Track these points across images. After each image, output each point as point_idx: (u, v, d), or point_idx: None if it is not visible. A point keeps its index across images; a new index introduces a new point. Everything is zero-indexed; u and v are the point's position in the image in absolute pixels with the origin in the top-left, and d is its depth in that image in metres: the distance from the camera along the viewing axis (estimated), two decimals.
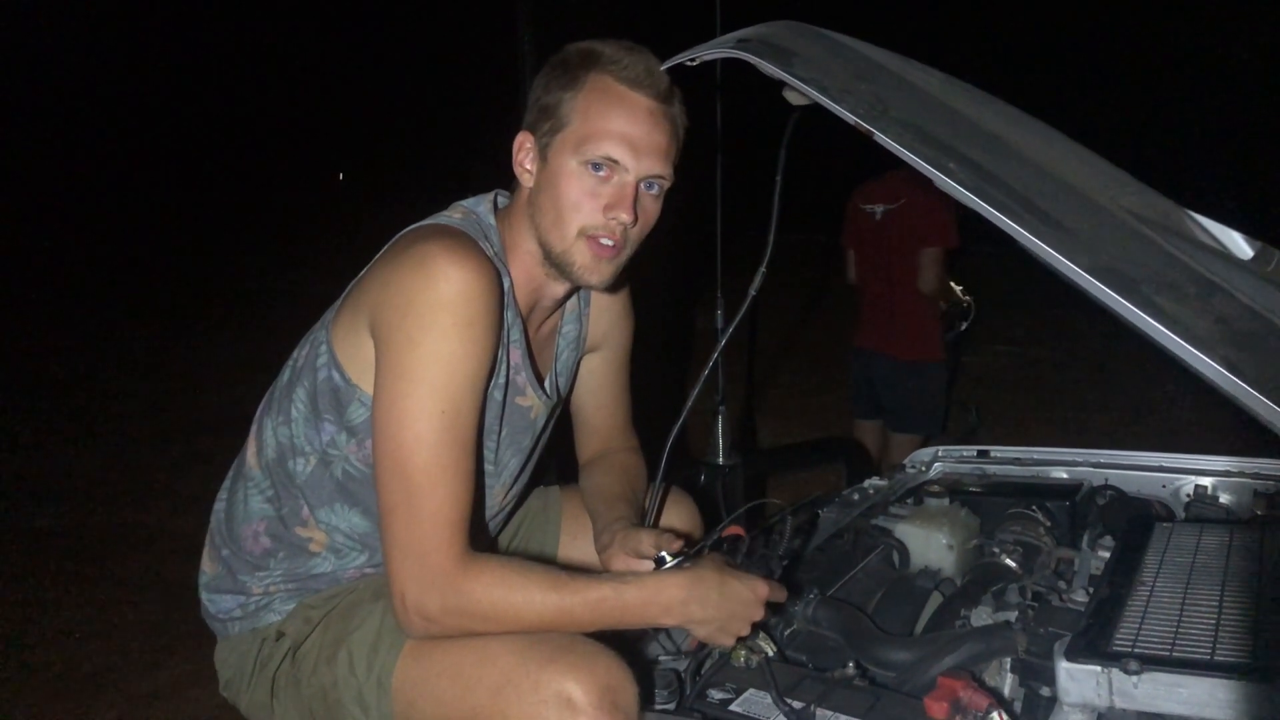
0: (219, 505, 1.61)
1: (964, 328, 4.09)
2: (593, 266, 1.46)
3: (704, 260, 2.77)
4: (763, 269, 1.49)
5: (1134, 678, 1.32)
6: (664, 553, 1.48)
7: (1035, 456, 2.43)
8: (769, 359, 5.84)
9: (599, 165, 1.42)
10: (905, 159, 1.11)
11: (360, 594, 1.50)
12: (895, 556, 1.97)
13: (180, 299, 10.02)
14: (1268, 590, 1.50)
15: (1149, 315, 0.96)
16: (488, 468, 1.56)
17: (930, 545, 1.97)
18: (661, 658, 1.46)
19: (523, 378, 1.54)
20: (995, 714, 1.32)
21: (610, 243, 1.43)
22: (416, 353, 1.31)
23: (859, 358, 4.30)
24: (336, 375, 1.44)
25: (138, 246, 12.87)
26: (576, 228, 1.44)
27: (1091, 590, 1.62)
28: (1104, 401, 6.24)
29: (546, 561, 1.63)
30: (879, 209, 4.12)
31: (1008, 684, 1.56)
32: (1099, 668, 1.35)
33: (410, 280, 1.33)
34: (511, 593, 1.31)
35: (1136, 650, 1.37)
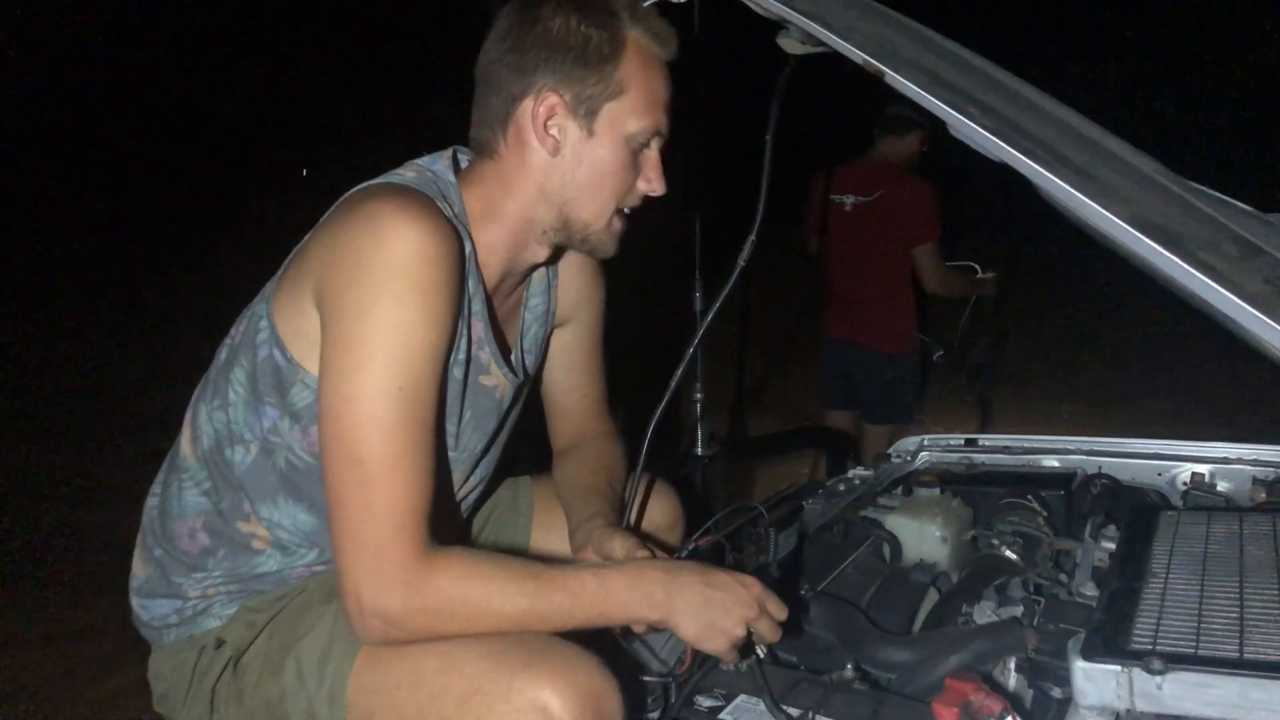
0: (151, 501, 1.46)
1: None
2: (613, 240, 1.39)
3: (691, 237, 2.64)
4: (752, 237, 1.37)
5: (1158, 678, 1.21)
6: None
7: (1025, 445, 2.34)
8: (774, 343, 5.68)
9: (649, 140, 1.35)
10: (920, 101, 0.99)
11: (310, 595, 1.36)
12: (886, 550, 1.86)
13: (139, 293, 9.74)
14: None
15: (1201, 273, 0.85)
16: (450, 454, 1.43)
17: (923, 537, 1.87)
18: (649, 672, 1.33)
19: (486, 354, 1.41)
20: (1009, 718, 1.21)
21: (629, 213, 1.36)
22: (368, 323, 1.17)
23: (833, 349, 4.20)
24: (278, 354, 1.30)
25: (95, 241, 12.52)
26: (616, 205, 1.36)
27: (1101, 583, 1.52)
28: (1073, 392, 6.21)
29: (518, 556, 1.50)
30: (849, 200, 4.01)
31: (1013, 684, 1.45)
32: (1119, 667, 1.24)
33: (359, 242, 1.19)
34: (483, 585, 1.18)
35: (1159, 648, 1.26)
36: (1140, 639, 1.29)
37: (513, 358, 1.48)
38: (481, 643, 1.18)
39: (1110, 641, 1.29)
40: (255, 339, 1.33)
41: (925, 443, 2.42)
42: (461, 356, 1.34)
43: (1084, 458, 2.25)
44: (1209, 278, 0.84)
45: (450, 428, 1.39)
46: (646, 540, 1.38)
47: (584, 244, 1.40)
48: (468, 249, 1.32)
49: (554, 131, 1.33)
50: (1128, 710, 1.25)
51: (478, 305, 1.35)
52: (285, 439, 1.33)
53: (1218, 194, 1.46)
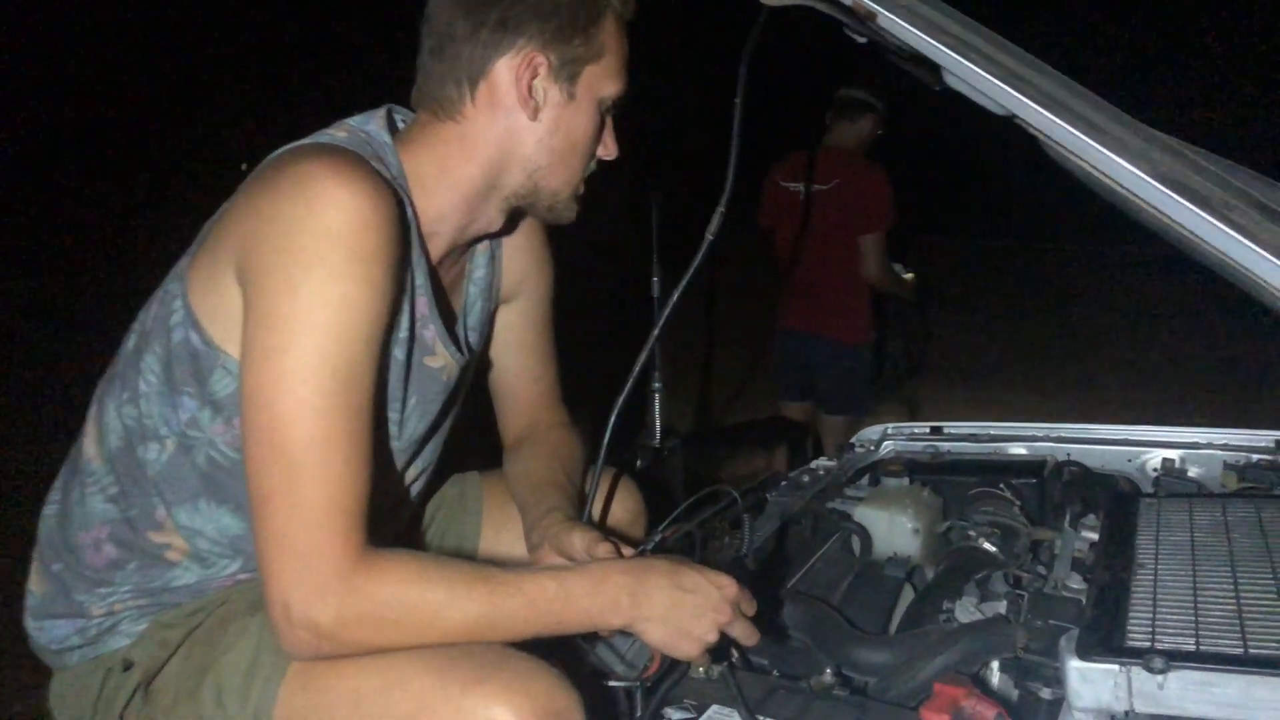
0: (48, 510, 1.30)
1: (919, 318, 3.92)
2: (575, 208, 1.31)
3: (649, 218, 2.53)
4: (721, 209, 1.26)
5: (1159, 677, 1.13)
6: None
7: (991, 432, 2.27)
8: (742, 329, 5.54)
9: (615, 104, 1.28)
10: (917, 46, 0.89)
11: (232, 607, 1.22)
12: (856, 543, 1.77)
13: (71, 293, 9.34)
14: None
15: (1233, 231, 0.76)
16: (393, 444, 1.30)
17: (894, 529, 1.78)
18: (613, 677, 1.21)
19: (431, 332, 1.28)
20: None
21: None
22: (298, 297, 1.04)
23: (789, 340, 4.12)
24: (195, 336, 1.16)
25: (26, 237, 12.01)
26: (584, 172, 1.29)
27: (1088, 576, 1.44)
28: (1027, 382, 6.22)
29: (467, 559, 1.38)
30: (803, 187, 3.93)
31: (998, 684, 1.37)
32: (1117, 666, 1.16)
33: (288, 208, 1.06)
34: (428, 591, 1.06)
35: (1158, 645, 1.18)
36: (1137, 636, 1.21)
37: (458, 336, 1.35)
38: (427, 656, 1.06)
39: (1106, 639, 1.20)
40: (168, 322, 1.18)
41: (889, 431, 2.34)
42: (403, 335, 1.22)
43: (1052, 445, 2.18)
44: (1241, 235, 0.75)
45: (393, 414, 1.26)
46: (608, 537, 1.26)
47: (549, 211, 1.30)
48: (409, 216, 1.19)
49: (535, 94, 1.23)
50: (1126, 712, 1.17)
51: (421, 278, 1.23)
52: (206, 433, 1.19)
53: (1220, 158, 1.39)
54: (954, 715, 1.11)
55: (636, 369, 1.36)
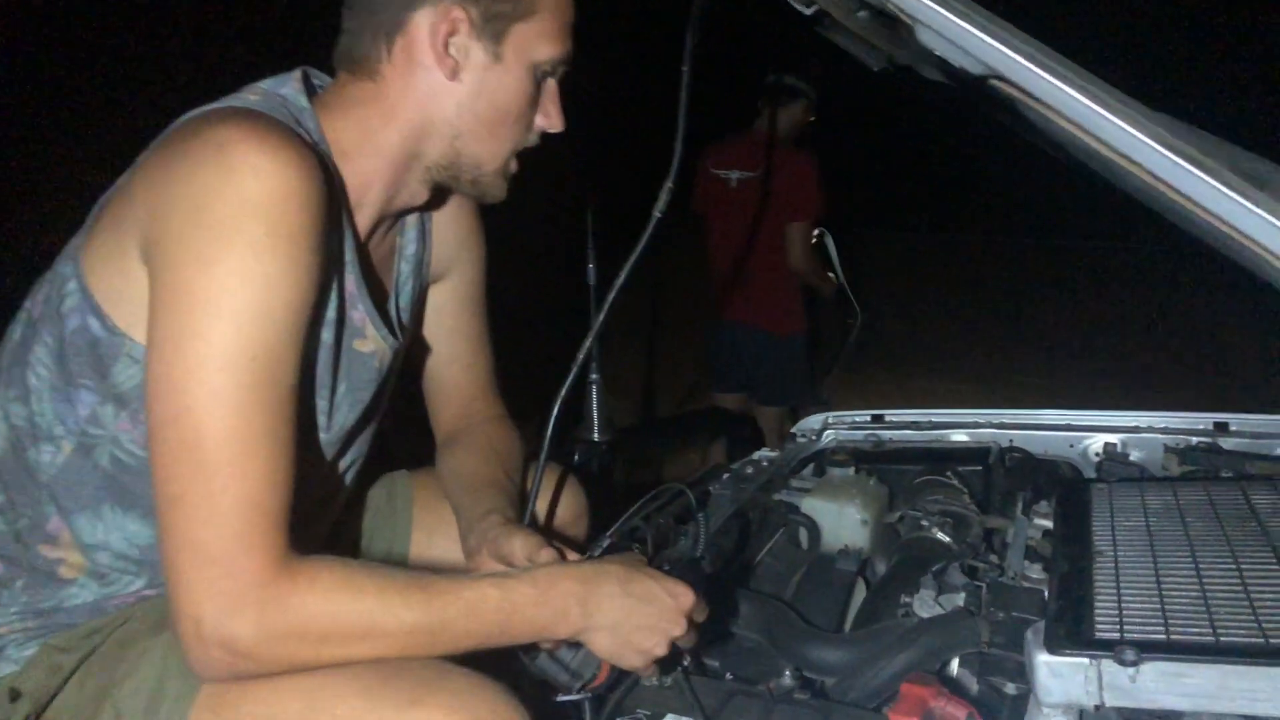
0: None
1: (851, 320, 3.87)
2: (504, 185, 1.20)
3: (601, 202, 2.43)
4: (669, 184, 1.18)
5: (1131, 669, 1.09)
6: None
7: (933, 419, 2.23)
8: (689, 318, 5.44)
9: (554, 70, 1.17)
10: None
11: (134, 626, 1.10)
12: (804, 535, 1.71)
13: None
14: (1244, 554, 1.30)
15: (1235, 194, 0.71)
16: (320, 436, 1.19)
17: (843, 520, 1.72)
18: (558, 686, 1.12)
19: (361, 313, 1.17)
20: None
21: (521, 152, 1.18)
22: (212, 276, 0.93)
23: (723, 330, 4.06)
24: (94, 322, 1.04)
25: None
26: (514, 144, 1.18)
27: (1048, 565, 1.40)
28: (951, 369, 6.28)
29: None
30: (734, 175, 3.87)
31: (957, 680, 1.32)
32: (1086, 660, 1.11)
33: (202, 177, 0.94)
34: (358, 601, 0.95)
35: (1127, 635, 1.14)
36: (1105, 627, 1.16)
37: (390, 317, 1.25)
38: (357, 674, 0.96)
39: (1073, 631, 1.16)
40: (60, 308, 1.06)
41: (829, 420, 2.29)
42: (331, 316, 1.11)
43: (994, 431, 2.16)
44: (1245, 199, 0.70)
45: (321, 404, 1.15)
46: (552, 541, 1.17)
47: (473, 186, 1.20)
48: (335, 185, 1.08)
49: (454, 52, 1.12)
50: (1096, 706, 1.13)
51: (349, 254, 1.12)
52: (109, 430, 1.07)
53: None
54: (923, 717, 1.05)
55: (581, 355, 1.27)
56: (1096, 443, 2.08)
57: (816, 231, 3.83)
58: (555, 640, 1.06)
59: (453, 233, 1.37)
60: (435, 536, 1.43)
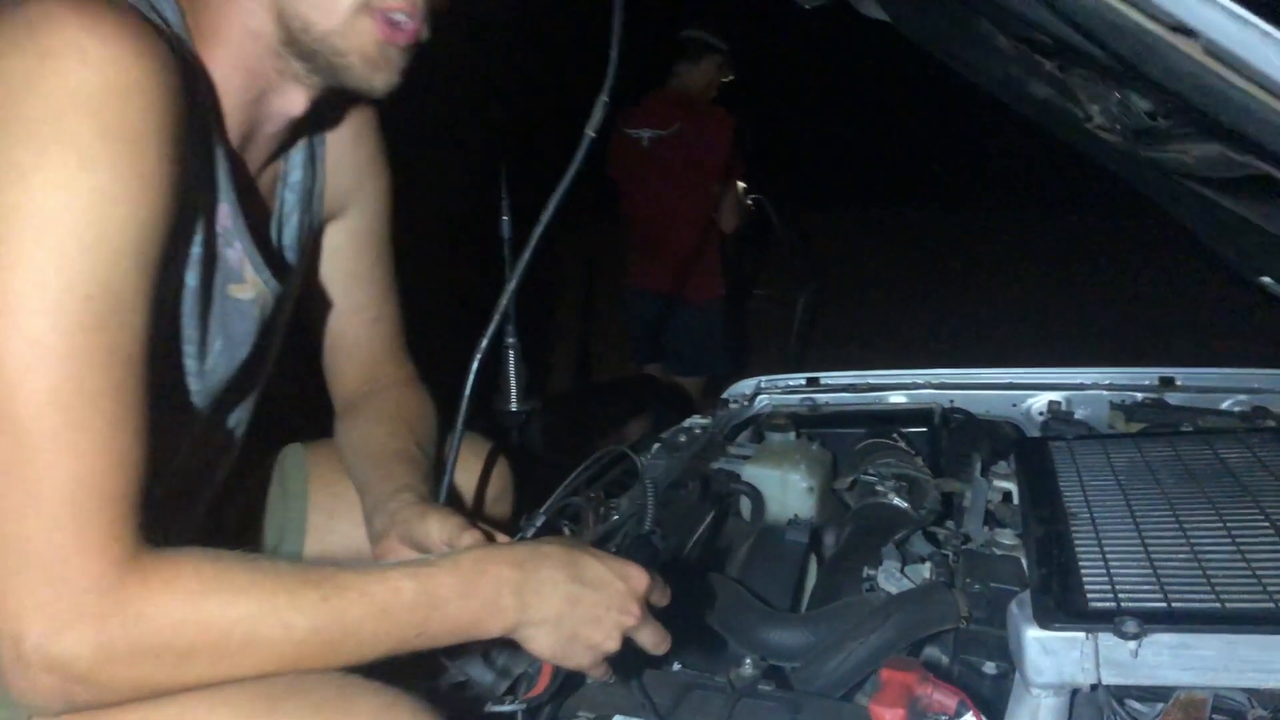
0: None
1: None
2: (378, 59, 0.93)
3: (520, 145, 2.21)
4: (604, 97, 1.01)
5: (1132, 642, 0.97)
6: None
7: (870, 381, 2.12)
8: (608, 286, 5.21)
9: None
10: None
11: None
12: (746, 506, 1.58)
13: None
14: (1230, 513, 1.21)
15: None
16: (191, 400, 0.99)
17: (787, 488, 1.59)
18: (484, 692, 0.95)
19: (238, 251, 0.97)
20: (969, 716, 0.93)
21: (404, 18, 0.91)
22: (26, 190, 0.72)
23: (637, 299, 3.91)
24: None
25: None
26: None
27: (1023, 530, 1.28)
28: (864, 337, 6.25)
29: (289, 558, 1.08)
30: (646, 134, 3.70)
31: (926, 659, 1.19)
32: (1083, 634, 1.00)
33: (12, 64, 0.73)
34: (235, 603, 0.76)
35: (1124, 605, 1.02)
36: (1098, 596, 1.05)
37: (273, 256, 1.04)
38: (237, 697, 0.77)
39: (1064, 603, 1.04)
40: None
41: (762, 384, 2.16)
42: (197, 253, 0.90)
43: (933, 392, 2.05)
44: None
45: (190, 364, 0.95)
46: (475, 522, 1.00)
47: (330, 66, 0.94)
48: (200, 89, 0.88)
49: None
50: (1093, 685, 1.01)
51: (222, 179, 0.92)
52: None
53: None
54: (910, 706, 0.92)
55: (498, 313, 1.10)
56: (1040, 401, 2.00)
57: (752, 199, 3.72)
58: (485, 640, 0.88)
59: (350, 161, 1.17)
60: (335, 520, 1.24)
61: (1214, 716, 1.05)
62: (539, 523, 0.99)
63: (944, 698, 0.93)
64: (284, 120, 1.00)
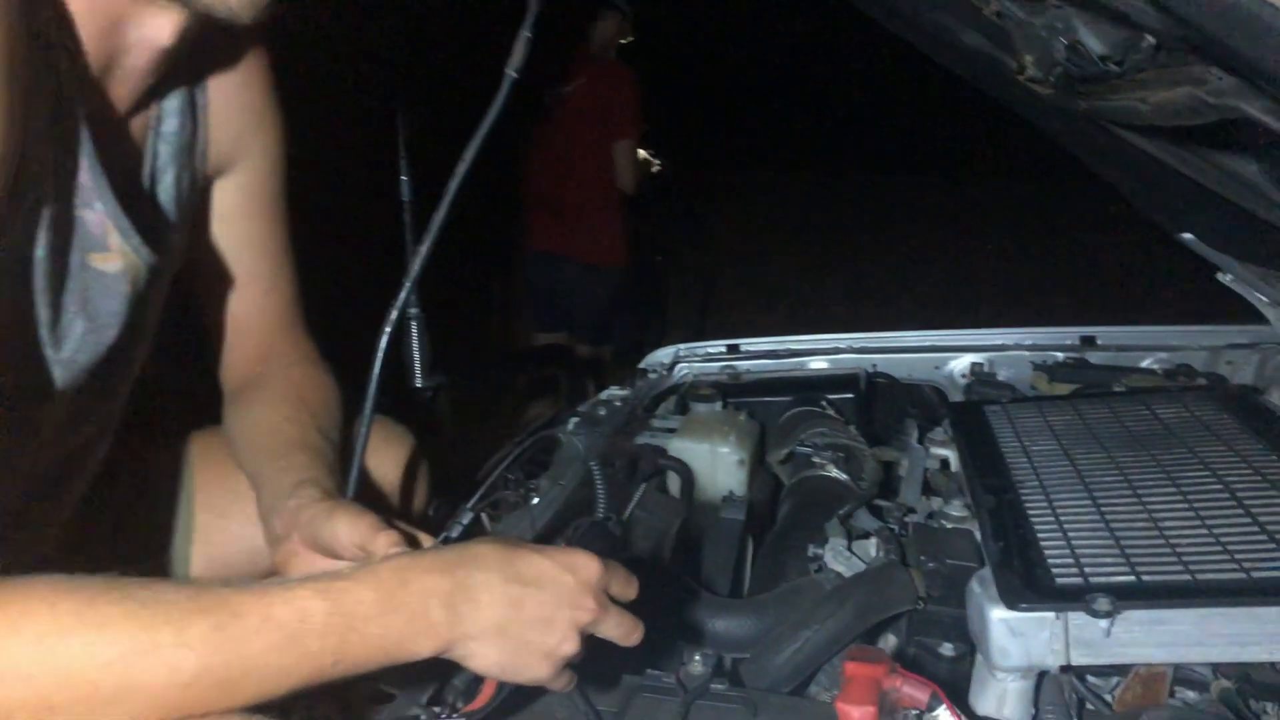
0: None
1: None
2: None
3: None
4: (525, 33, 0.89)
5: (1104, 621, 0.92)
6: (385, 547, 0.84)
7: (791, 347, 2.05)
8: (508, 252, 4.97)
9: None
10: None
11: None
12: (676, 483, 1.49)
13: None
14: (1182, 478, 1.17)
15: None
16: (55, 386, 0.83)
17: (718, 462, 1.51)
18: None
19: (99, 215, 0.82)
20: (943, 709, 0.86)
21: None
22: None
23: (538, 263, 3.78)
24: None
25: None
26: None
27: (972, 501, 1.22)
28: (764, 303, 6.25)
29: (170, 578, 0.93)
30: (546, 91, 3.57)
31: (890, 644, 1.13)
32: (1052, 614, 0.94)
33: None
34: (101, 641, 0.62)
35: (1092, 581, 0.97)
36: (1064, 572, 0.99)
37: (143, 221, 0.89)
38: None
39: (1029, 580, 0.98)
40: None
41: (681, 352, 2.07)
42: (46, 216, 0.75)
43: (855, 356, 2.00)
44: None
45: (48, 351, 0.80)
46: (391, 519, 0.88)
47: None
48: (45, 15, 0.72)
49: None
50: (1064, 667, 0.96)
51: (81, 129, 0.77)
52: None
53: None
54: (881, 702, 0.84)
55: (409, 280, 0.98)
56: (962, 363, 1.96)
57: (657, 165, 3.62)
58: (415, 659, 0.76)
59: (236, 110, 1.02)
60: (227, 520, 1.10)
61: (1175, 688, 1.02)
62: (466, 520, 0.86)
63: (914, 691, 0.86)
64: (150, 53, 0.85)
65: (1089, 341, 1.93)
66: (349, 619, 0.68)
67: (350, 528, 0.85)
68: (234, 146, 1.03)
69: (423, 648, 0.72)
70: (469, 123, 0.91)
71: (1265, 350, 1.78)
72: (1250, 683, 0.97)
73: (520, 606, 0.74)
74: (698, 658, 0.96)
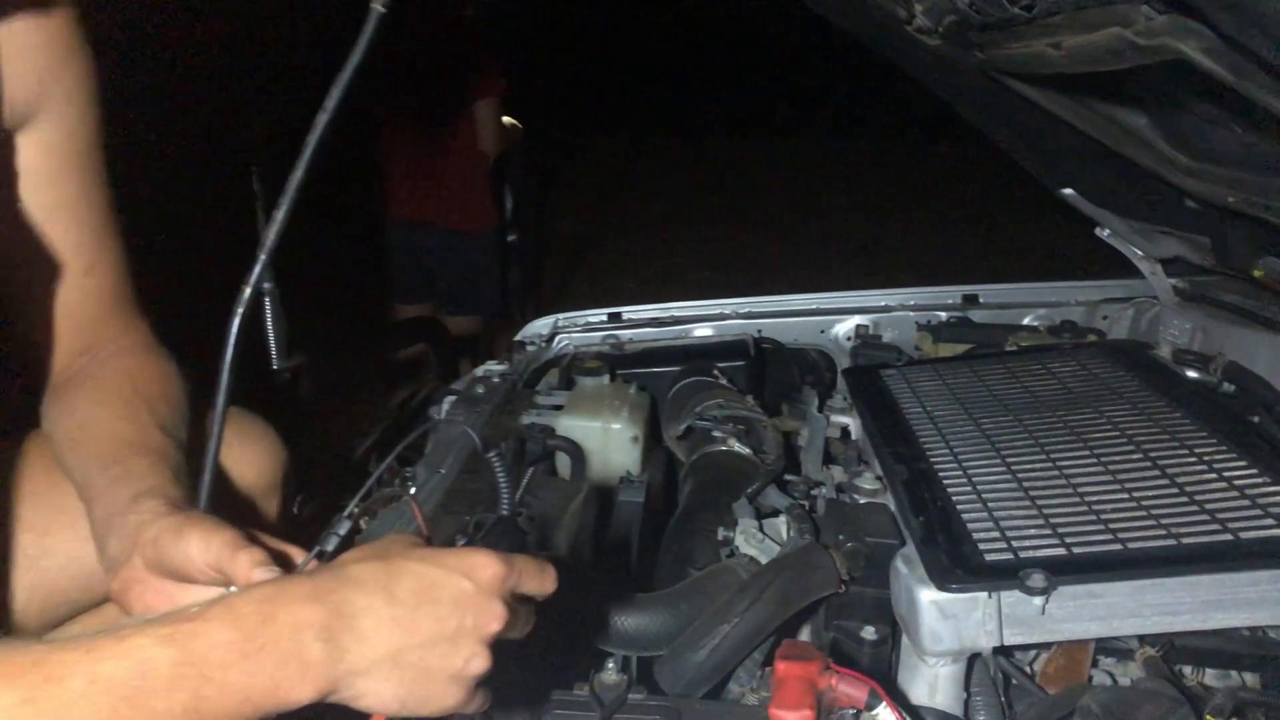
0: None
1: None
2: None
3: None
4: None
5: (1039, 599, 0.87)
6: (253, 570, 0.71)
7: (675, 314, 1.97)
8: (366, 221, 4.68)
9: None
10: None
11: None
12: (566, 465, 1.39)
13: None
14: (1094, 441, 1.14)
15: None
16: None
17: (610, 440, 1.42)
18: None
19: None
20: (883, 708, 0.79)
21: None
22: None
23: (400, 230, 3.58)
24: None
25: None
26: None
27: (885, 473, 1.16)
28: (634, 269, 6.18)
29: None
30: (399, 49, 3.36)
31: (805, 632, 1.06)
32: (984, 593, 0.88)
33: None
34: None
35: (1022, 557, 0.92)
36: (992, 548, 0.94)
37: None
38: None
39: (958, 558, 0.93)
40: None
41: (560, 323, 1.96)
42: None
43: (741, 322, 1.93)
44: None
45: None
46: (251, 534, 0.74)
47: None
48: None
49: None
50: (997, 649, 0.91)
51: None
52: None
53: None
54: (818, 703, 0.77)
55: (264, 253, 0.84)
56: (847, 326, 1.93)
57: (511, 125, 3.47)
58: (290, 707, 0.64)
59: (32, 55, 0.85)
60: (51, 539, 0.93)
61: (1098, 657, 0.99)
62: (343, 531, 0.73)
63: (851, 689, 0.79)
64: None
65: (971, 300, 1.92)
66: (202, 668, 0.56)
67: (203, 546, 0.72)
68: (32, 97, 0.86)
69: (300, 694, 0.60)
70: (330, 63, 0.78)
71: (1140, 304, 1.80)
72: (1175, 649, 0.94)
73: (414, 628, 0.63)
74: (610, 665, 0.86)
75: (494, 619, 0.67)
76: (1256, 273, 1.45)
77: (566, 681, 0.88)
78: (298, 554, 0.74)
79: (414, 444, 1.38)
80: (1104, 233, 1.77)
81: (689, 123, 9.76)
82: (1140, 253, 1.76)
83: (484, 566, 0.68)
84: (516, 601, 0.70)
